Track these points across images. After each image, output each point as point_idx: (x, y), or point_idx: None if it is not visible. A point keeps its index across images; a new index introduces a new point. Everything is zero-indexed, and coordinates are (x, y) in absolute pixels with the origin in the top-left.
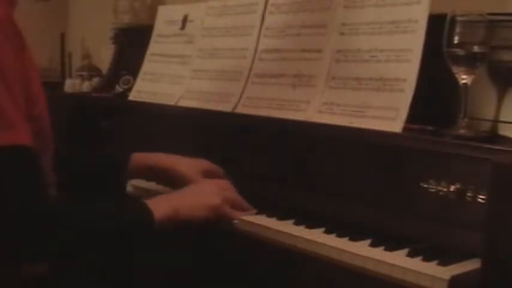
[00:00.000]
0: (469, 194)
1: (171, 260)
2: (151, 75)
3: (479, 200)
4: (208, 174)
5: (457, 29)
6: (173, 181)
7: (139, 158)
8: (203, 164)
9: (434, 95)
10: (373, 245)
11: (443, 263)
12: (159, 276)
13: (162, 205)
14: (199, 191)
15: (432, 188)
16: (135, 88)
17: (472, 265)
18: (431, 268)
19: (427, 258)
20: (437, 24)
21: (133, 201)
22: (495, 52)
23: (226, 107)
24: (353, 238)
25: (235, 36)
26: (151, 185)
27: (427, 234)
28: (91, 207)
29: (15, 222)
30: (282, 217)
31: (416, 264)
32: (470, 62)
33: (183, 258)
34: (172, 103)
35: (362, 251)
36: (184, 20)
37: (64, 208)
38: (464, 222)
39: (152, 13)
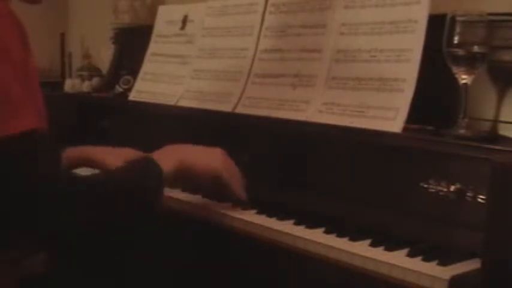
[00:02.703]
0: (469, 194)
1: (171, 259)
2: (151, 75)
3: (479, 200)
4: None
5: (457, 29)
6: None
7: (72, 153)
8: (128, 153)
9: (434, 95)
10: (373, 245)
11: (443, 263)
12: (159, 276)
13: (168, 158)
14: (205, 151)
15: (432, 188)
16: (135, 88)
17: (472, 265)
18: (431, 268)
19: (427, 258)
20: (437, 24)
21: (141, 158)
22: (495, 52)
23: (226, 107)
24: (353, 238)
25: (235, 36)
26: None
27: (427, 234)
28: (104, 175)
29: (41, 202)
30: (282, 217)
31: (416, 264)
32: (470, 62)
33: (183, 258)
34: (172, 103)
35: (362, 251)
36: (184, 20)
37: (80, 180)
38: (464, 222)
39: (152, 13)
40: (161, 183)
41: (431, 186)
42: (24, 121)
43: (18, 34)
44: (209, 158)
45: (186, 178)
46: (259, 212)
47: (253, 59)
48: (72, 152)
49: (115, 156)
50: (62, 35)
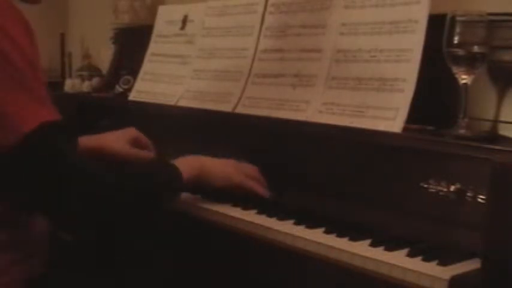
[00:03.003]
0: (469, 194)
1: (170, 259)
2: (151, 75)
3: (479, 200)
4: (136, 142)
5: (457, 29)
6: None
7: (84, 141)
8: (130, 132)
9: (434, 95)
10: (373, 245)
11: (443, 263)
12: (159, 276)
13: (188, 165)
14: (220, 162)
15: (432, 188)
16: (135, 88)
17: (472, 265)
18: (431, 268)
19: (427, 258)
20: (437, 24)
21: (163, 163)
22: (495, 52)
23: (226, 107)
24: (353, 238)
25: (235, 36)
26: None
27: (427, 234)
28: (126, 169)
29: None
30: (282, 217)
31: (416, 264)
32: (470, 62)
33: (183, 258)
34: (172, 103)
35: (362, 251)
36: (184, 20)
37: (102, 169)
38: (464, 222)
39: (152, 13)
40: (180, 185)
41: (431, 186)
42: (38, 116)
43: (24, 26)
44: (223, 167)
45: (204, 185)
46: (259, 212)
47: (253, 59)
48: (83, 141)
49: (120, 140)
50: (62, 35)
